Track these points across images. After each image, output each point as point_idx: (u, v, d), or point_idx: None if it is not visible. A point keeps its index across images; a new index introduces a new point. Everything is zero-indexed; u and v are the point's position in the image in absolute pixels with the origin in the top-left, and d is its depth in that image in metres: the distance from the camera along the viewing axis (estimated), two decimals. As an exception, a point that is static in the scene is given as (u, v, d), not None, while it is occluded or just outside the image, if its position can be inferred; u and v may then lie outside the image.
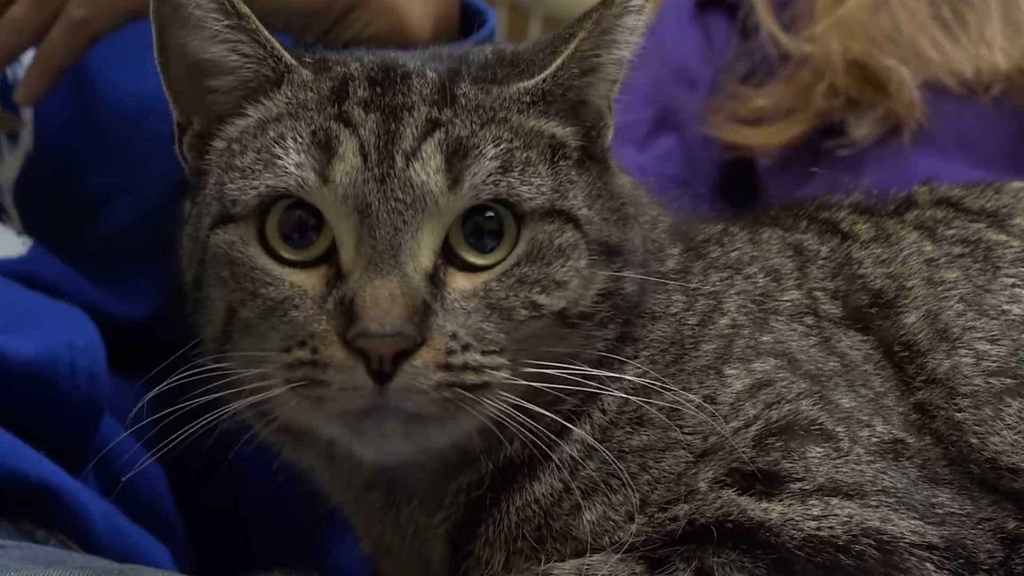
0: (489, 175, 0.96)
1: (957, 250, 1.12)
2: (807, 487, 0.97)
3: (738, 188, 1.79)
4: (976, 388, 1.04)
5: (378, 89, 1.00)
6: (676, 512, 0.98)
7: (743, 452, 0.98)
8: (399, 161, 0.95)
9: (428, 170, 0.95)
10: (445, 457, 1.02)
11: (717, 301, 1.07)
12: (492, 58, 1.05)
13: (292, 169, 0.96)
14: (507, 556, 1.00)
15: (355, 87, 1.00)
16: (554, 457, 1.00)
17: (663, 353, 1.04)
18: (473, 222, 0.97)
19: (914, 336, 1.07)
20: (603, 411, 1.02)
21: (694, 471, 0.99)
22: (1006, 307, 1.07)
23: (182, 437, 0.98)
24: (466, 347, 0.94)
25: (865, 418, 1.01)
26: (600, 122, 1.05)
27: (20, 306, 1.28)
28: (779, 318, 1.06)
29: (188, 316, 1.05)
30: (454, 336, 0.94)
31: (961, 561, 0.97)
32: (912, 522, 0.97)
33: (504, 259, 0.97)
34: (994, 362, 1.04)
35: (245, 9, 1.01)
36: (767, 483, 0.98)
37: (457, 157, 0.96)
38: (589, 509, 0.99)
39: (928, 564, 0.95)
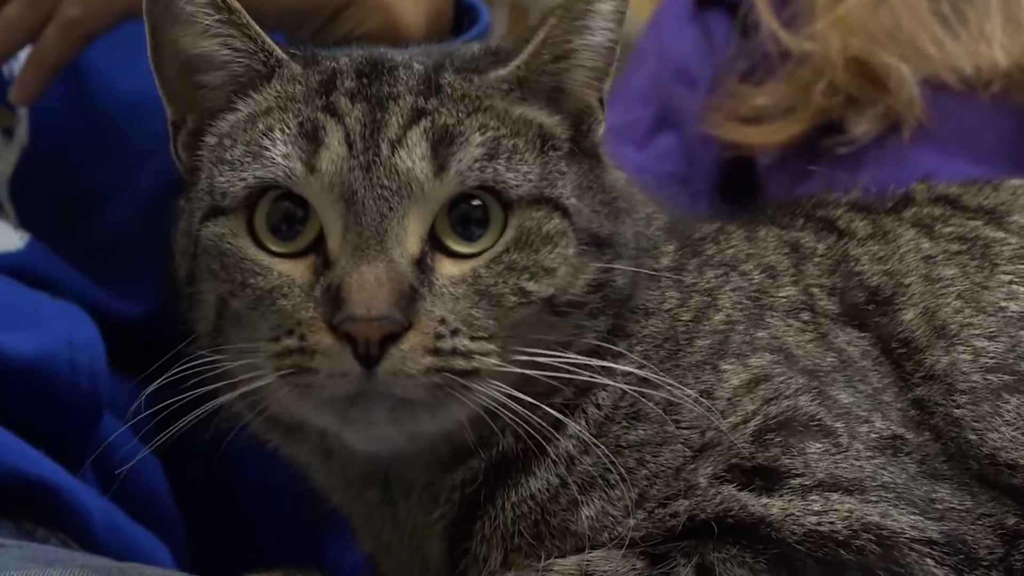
0: (475, 161, 0.97)
1: (955, 247, 1.12)
2: (807, 483, 0.97)
3: (738, 186, 1.79)
4: (974, 385, 1.04)
5: (365, 80, 1.01)
6: (676, 508, 0.98)
7: (742, 448, 0.98)
8: (384, 149, 0.96)
9: (414, 157, 0.96)
10: (437, 449, 1.02)
11: (712, 297, 1.07)
12: (479, 51, 1.06)
13: (279, 160, 0.97)
14: (505, 553, 1.01)
15: (343, 79, 1.01)
16: (549, 452, 1.00)
17: (657, 349, 1.04)
18: (460, 210, 0.98)
19: (912, 333, 1.07)
20: (598, 406, 1.02)
21: (693, 466, 0.99)
22: (1003, 304, 1.07)
23: (177, 430, 0.98)
24: (455, 332, 0.94)
25: (864, 414, 1.02)
26: (590, 116, 1.05)
27: (20, 304, 1.28)
28: (775, 314, 1.07)
29: (184, 312, 1.06)
30: (443, 321, 0.94)
31: (961, 557, 0.97)
32: (912, 517, 0.97)
33: (492, 247, 0.98)
34: (992, 358, 1.05)
35: (236, 4, 1.02)
36: (767, 479, 0.98)
37: (443, 144, 0.97)
38: (587, 504, 0.99)
39: (928, 559, 0.95)
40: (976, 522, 0.99)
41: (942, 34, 1.65)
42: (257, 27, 1.03)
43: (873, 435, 1.01)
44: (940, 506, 0.99)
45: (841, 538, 0.95)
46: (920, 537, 0.96)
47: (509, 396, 0.96)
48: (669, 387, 0.99)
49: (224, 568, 1.09)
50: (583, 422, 1.01)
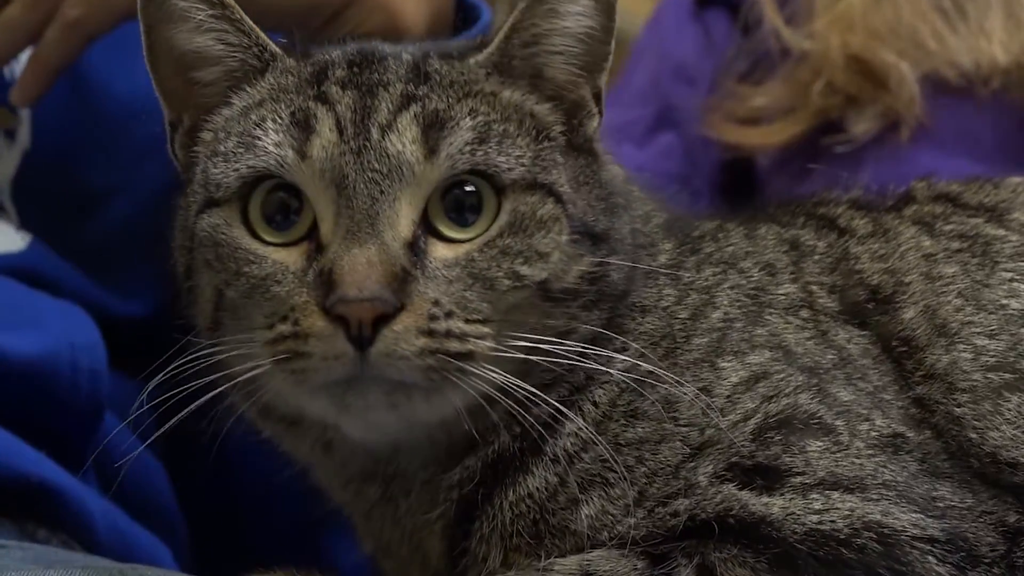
0: (466, 144, 0.98)
1: (955, 245, 1.12)
2: (808, 481, 0.97)
3: (738, 185, 1.79)
4: (975, 383, 1.04)
5: (355, 69, 1.02)
6: (676, 507, 0.98)
7: (742, 446, 0.98)
8: (375, 133, 0.97)
9: (404, 140, 0.97)
10: (436, 442, 1.02)
11: (709, 295, 1.07)
12: (465, 43, 1.07)
13: (271, 148, 0.98)
14: (504, 553, 1.00)
15: (334, 69, 1.02)
16: (547, 450, 1.00)
17: (654, 347, 1.04)
18: (453, 196, 0.98)
19: (912, 331, 1.07)
20: (595, 404, 1.02)
21: (692, 464, 0.99)
22: (1004, 302, 1.07)
23: (176, 421, 0.99)
24: (449, 314, 0.95)
25: (864, 412, 1.01)
26: (582, 109, 1.06)
27: (21, 304, 1.28)
28: (774, 311, 1.06)
29: (184, 308, 1.06)
30: (436, 303, 0.95)
31: (962, 554, 0.97)
32: (913, 515, 0.97)
33: (485, 231, 0.98)
34: (992, 357, 1.04)
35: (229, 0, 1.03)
36: (767, 477, 0.98)
37: (434, 129, 0.97)
38: (586, 503, 0.99)
39: (930, 557, 0.95)
40: (977, 520, 0.99)
41: (942, 27, 1.65)
42: (250, 22, 1.04)
43: (874, 433, 1.00)
44: (941, 504, 0.99)
45: (842, 537, 0.95)
46: (921, 535, 0.96)
47: (506, 383, 0.96)
48: (668, 383, 0.99)
49: (224, 568, 1.09)
50: (581, 420, 1.01)
